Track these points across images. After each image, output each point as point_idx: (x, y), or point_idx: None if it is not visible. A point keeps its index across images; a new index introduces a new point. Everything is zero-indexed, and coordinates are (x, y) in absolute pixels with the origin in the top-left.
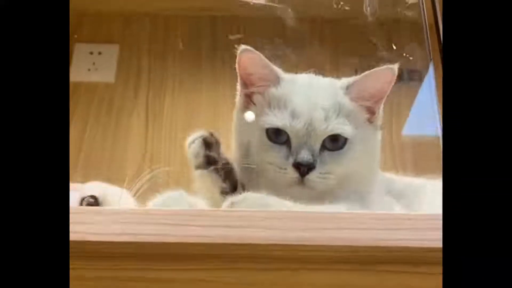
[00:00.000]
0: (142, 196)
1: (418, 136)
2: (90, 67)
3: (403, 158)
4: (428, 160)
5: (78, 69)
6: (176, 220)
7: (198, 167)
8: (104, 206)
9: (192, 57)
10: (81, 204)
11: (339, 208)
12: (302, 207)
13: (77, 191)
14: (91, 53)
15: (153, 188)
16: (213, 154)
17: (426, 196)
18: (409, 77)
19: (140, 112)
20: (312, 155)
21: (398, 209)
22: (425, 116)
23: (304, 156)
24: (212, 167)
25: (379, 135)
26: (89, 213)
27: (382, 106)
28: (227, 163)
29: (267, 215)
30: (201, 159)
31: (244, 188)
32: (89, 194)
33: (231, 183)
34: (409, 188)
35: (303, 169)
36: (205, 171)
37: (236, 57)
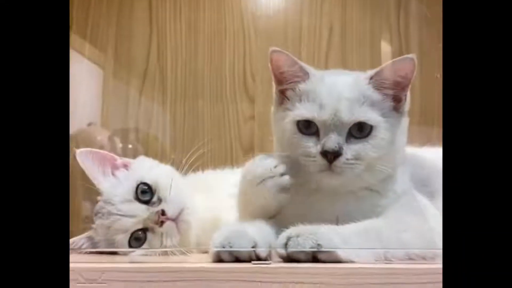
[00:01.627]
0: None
1: None
2: None
3: None
4: None
5: None
6: None
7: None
8: (157, 194)
9: None
10: (136, 191)
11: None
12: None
13: (129, 174)
14: None
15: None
16: None
17: None
18: None
19: None
20: (338, 143)
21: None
22: None
23: (331, 144)
24: None
25: (405, 121)
26: None
27: (408, 93)
28: None
29: None
30: None
31: None
32: (142, 181)
33: None
34: (432, 174)
35: (330, 156)
36: None
37: None
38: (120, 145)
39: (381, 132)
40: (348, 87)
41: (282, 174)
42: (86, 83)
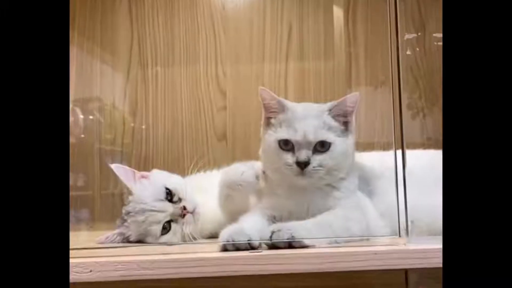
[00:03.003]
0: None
1: None
2: None
3: None
4: None
5: None
6: None
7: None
8: (177, 195)
9: None
10: (165, 193)
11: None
12: None
13: (153, 181)
14: None
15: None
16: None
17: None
18: None
19: None
20: (307, 156)
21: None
22: None
23: (302, 156)
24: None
25: (353, 138)
26: None
27: (353, 118)
28: None
29: None
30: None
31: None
32: (166, 186)
33: None
34: (371, 176)
35: (302, 165)
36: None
37: None
38: (81, 116)
39: (337, 147)
40: (313, 116)
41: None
42: None
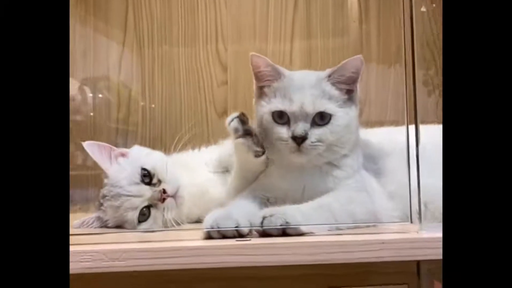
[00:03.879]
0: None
1: None
2: None
3: None
4: None
5: None
6: None
7: (238, 137)
8: (156, 176)
9: None
10: (140, 175)
11: None
12: None
13: (130, 161)
14: None
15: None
16: (248, 127)
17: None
18: None
19: None
20: (305, 129)
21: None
22: None
23: (299, 130)
24: (249, 137)
25: (357, 109)
26: None
27: (357, 86)
28: (257, 134)
29: None
30: (240, 132)
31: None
32: (143, 167)
33: (262, 148)
34: (378, 154)
35: (298, 140)
36: (244, 140)
37: None
38: (90, 95)
39: (338, 120)
40: (311, 85)
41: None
42: None
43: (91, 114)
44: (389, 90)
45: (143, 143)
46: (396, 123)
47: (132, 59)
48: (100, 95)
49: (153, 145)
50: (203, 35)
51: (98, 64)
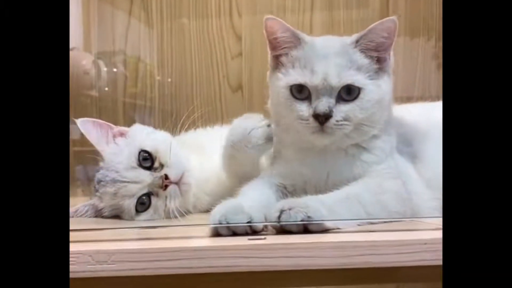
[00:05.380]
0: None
1: None
2: None
3: None
4: None
5: None
6: None
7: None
8: (158, 160)
9: None
10: (138, 158)
11: None
12: None
13: (128, 142)
14: None
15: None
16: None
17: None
18: None
19: None
20: (329, 106)
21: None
22: None
23: (322, 107)
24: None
25: (390, 81)
26: None
27: (391, 54)
28: None
29: None
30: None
31: None
32: (143, 149)
33: None
34: (414, 134)
35: (321, 118)
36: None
37: None
38: (104, 69)
39: (368, 94)
40: (336, 53)
41: (268, 125)
42: None
43: (106, 89)
44: (417, 63)
45: (154, 121)
46: (424, 99)
47: (139, 31)
48: (115, 69)
49: (162, 124)
50: (215, 5)
51: (107, 37)
